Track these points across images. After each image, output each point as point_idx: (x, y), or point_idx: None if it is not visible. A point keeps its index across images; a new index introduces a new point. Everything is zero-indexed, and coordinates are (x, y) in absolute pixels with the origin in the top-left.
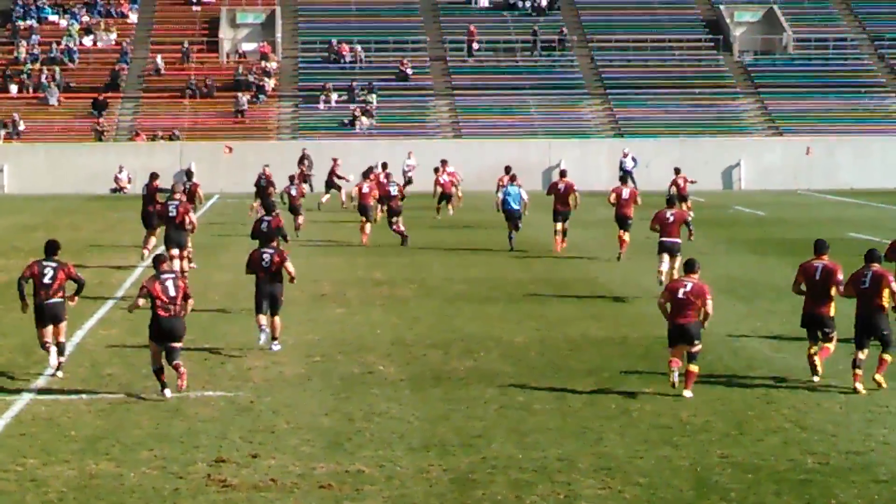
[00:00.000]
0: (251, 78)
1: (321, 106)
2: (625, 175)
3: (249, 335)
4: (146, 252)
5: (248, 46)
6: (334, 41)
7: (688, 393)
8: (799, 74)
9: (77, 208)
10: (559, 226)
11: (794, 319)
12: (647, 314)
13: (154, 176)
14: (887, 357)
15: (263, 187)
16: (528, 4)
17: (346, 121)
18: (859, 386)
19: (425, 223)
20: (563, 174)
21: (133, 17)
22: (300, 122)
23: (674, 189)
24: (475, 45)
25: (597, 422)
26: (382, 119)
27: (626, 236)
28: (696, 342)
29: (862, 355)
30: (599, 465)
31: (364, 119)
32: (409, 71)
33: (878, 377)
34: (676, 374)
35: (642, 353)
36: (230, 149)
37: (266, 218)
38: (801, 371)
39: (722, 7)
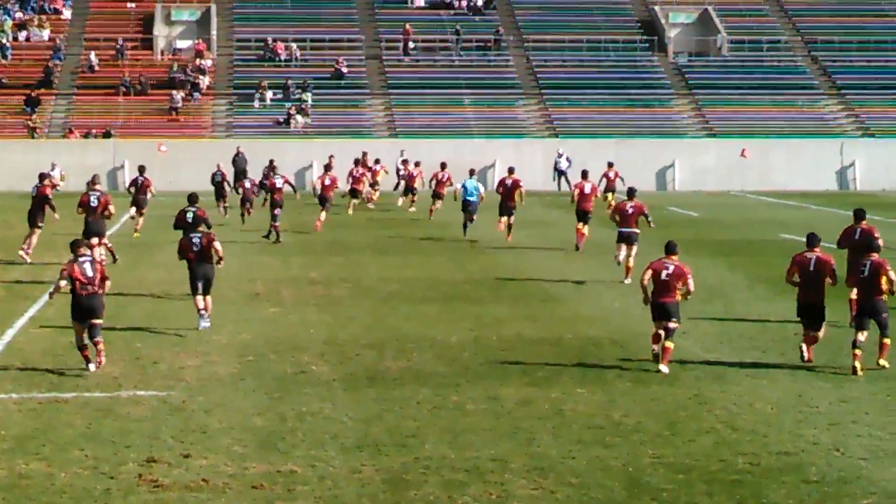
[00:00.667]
0: (186, 75)
1: (256, 104)
2: (584, 171)
3: (182, 334)
4: (24, 253)
5: (182, 44)
6: (269, 39)
7: (664, 368)
8: (733, 76)
9: (9, 206)
10: (505, 219)
11: (725, 320)
12: (581, 315)
13: (43, 177)
14: (887, 341)
15: (219, 182)
16: (463, 4)
17: (281, 119)
18: (858, 365)
19: (362, 222)
20: (510, 171)
21: (67, 14)
22: (235, 121)
23: (604, 181)
24: (411, 45)
25: (530, 422)
26: (318, 117)
27: (585, 229)
28: (675, 319)
29: (862, 337)
30: (532, 465)
31: (299, 118)
32: (345, 69)
33: (882, 361)
34: (658, 350)
35: (576, 354)
36: (163, 148)
37: (191, 209)
38: (733, 372)
39: (657, 8)
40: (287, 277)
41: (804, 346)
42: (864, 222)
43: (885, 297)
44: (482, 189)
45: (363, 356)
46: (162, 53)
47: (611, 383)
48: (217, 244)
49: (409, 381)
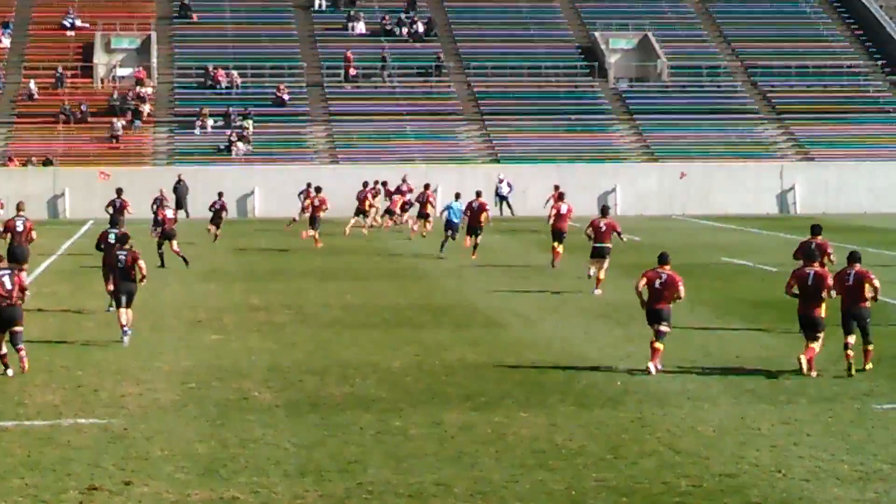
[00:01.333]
0: (126, 103)
1: (197, 131)
2: (561, 194)
3: (123, 362)
4: None
5: (123, 72)
6: (210, 66)
7: (652, 367)
8: (673, 101)
9: None
10: (470, 239)
11: (667, 343)
12: (523, 339)
13: None
14: (871, 347)
15: (217, 210)
16: (404, 31)
17: (222, 146)
18: (851, 362)
19: (303, 249)
20: (478, 195)
21: (6, 42)
22: (176, 148)
23: (552, 201)
24: (352, 71)
25: (473, 446)
26: (259, 145)
27: (560, 248)
28: (666, 324)
29: (851, 339)
30: (475, 489)
31: (240, 145)
32: (286, 96)
33: (868, 366)
34: (650, 363)
35: (519, 379)
36: (106, 175)
37: (113, 230)
38: (676, 395)
39: (597, 34)
40: (229, 304)
41: (802, 359)
42: (819, 237)
43: (868, 304)
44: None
45: (306, 382)
46: (102, 81)
47: (553, 407)
48: (141, 262)
49: (351, 406)
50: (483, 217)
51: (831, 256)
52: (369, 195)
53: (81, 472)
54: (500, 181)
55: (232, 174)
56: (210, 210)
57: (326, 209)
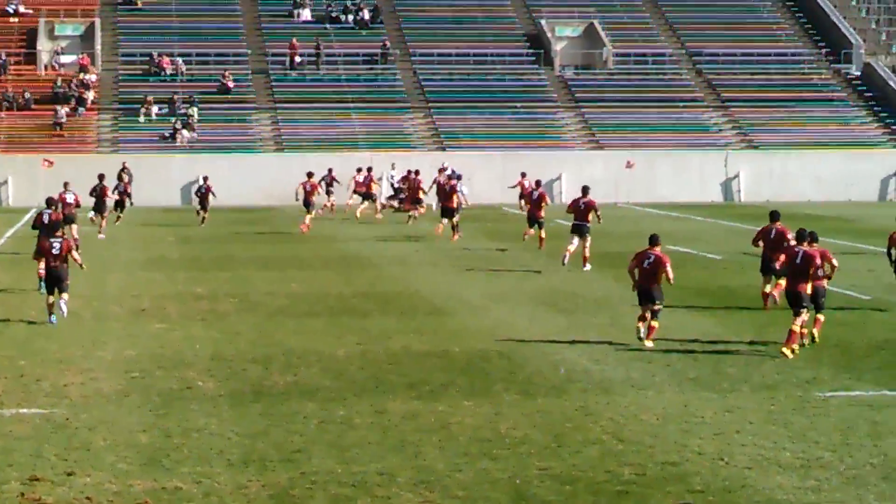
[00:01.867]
0: (70, 90)
1: (141, 119)
2: (538, 181)
3: (66, 351)
4: None
5: (66, 58)
6: (155, 54)
7: (649, 343)
8: (619, 89)
9: None
10: (445, 221)
11: (612, 331)
12: (468, 328)
13: None
14: (821, 317)
15: (203, 194)
16: (350, 18)
17: (166, 134)
18: (805, 336)
19: (248, 237)
20: (450, 177)
21: None
22: (120, 135)
23: (518, 188)
24: (297, 59)
25: (416, 435)
26: (204, 132)
27: (533, 231)
28: (658, 302)
29: (797, 323)
30: (419, 478)
31: (185, 132)
32: (231, 84)
33: (814, 331)
34: (643, 330)
35: (463, 367)
36: (50, 162)
37: (47, 211)
38: (620, 383)
39: (543, 22)
40: (173, 293)
41: (795, 328)
42: (778, 223)
43: (822, 282)
44: (466, 191)
45: (249, 371)
46: (46, 68)
47: (498, 396)
48: (75, 253)
49: (295, 395)
50: (455, 199)
51: (790, 242)
52: (374, 179)
53: (23, 463)
54: (444, 169)
55: (177, 162)
56: (196, 195)
57: (319, 193)
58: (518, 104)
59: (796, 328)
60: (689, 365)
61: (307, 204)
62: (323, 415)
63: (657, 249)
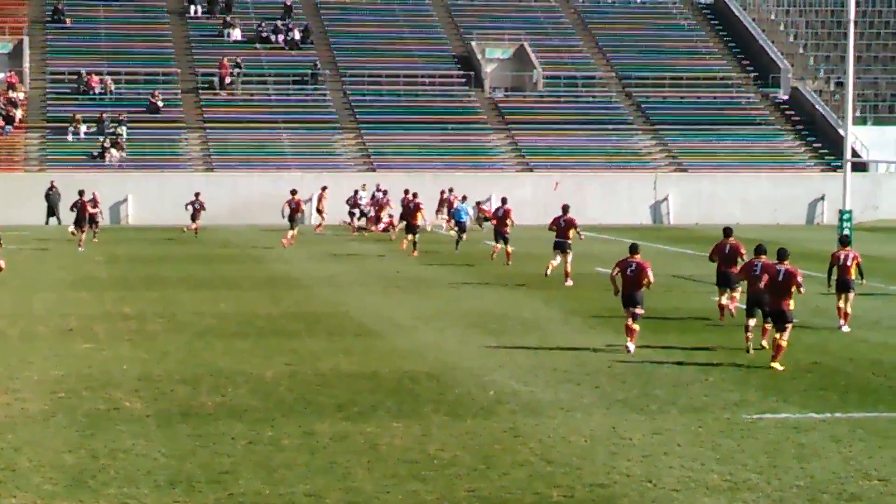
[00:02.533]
0: None
1: (70, 137)
2: (504, 199)
3: None
4: None
5: None
6: (84, 72)
7: (631, 346)
8: (548, 111)
9: None
10: (410, 237)
11: (541, 353)
12: (397, 349)
13: None
14: (769, 326)
15: (197, 209)
16: (280, 38)
17: (95, 153)
18: (750, 344)
19: (177, 257)
20: (415, 195)
21: None
22: (48, 154)
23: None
24: (227, 79)
25: (345, 457)
26: (133, 152)
27: (500, 247)
28: (640, 307)
29: (752, 322)
30: (347, 500)
31: (114, 151)
32: (160, 103)
33: (764, 343)
34: (629, 342)
35: (392, 388)
36: None
37: None
38: (548, 405)
39: (473, 44)
40: (101, 313)
41: (763, 342)
42: (731, 238)
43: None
44: (471, 211)
45: (177, 392)
46: None
47: (427, 417)
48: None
49: (223, 416)
50: (419, 217)
51: (744, 256)
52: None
53: None
54: (378, 189)
55: (105, 181)
56: (186, 208)
57: (303, 211)
58: (448, 125)
59: (783, 343)
60: (617, 387)
61: (292, 220)
62: (251, 435)
63: (638, 257)
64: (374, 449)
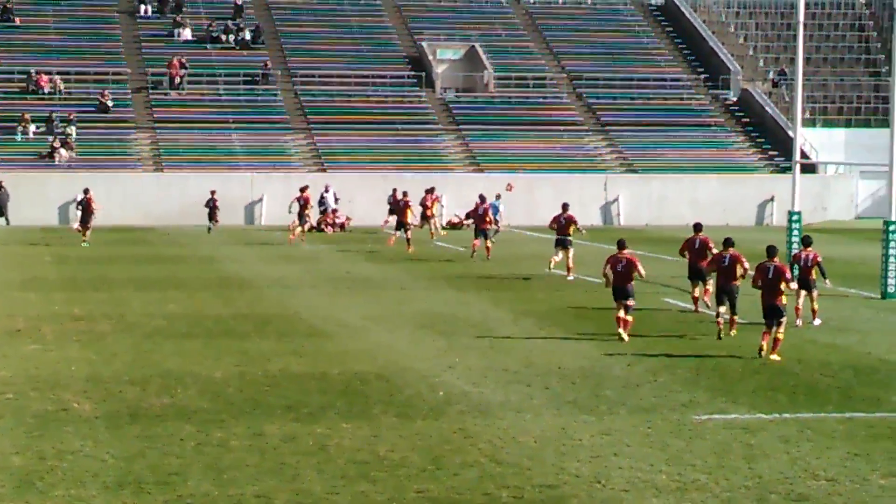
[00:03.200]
0: None
1: (19, 137)
2: (482, 196)
3: None
4: None
5: None
6: (33, 71)
7: (625, 335)
8: (500, 112)
9: None
10: (399, 233)
11: (490, 354)
12: (347, 350)
13: None
14: (737, 318)
15: (211, 207)
16: (231, 38)
17: (44, 153)
18: (721, 329)
19: (126, 257)
20: (405, 194)
21: None
22: None
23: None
24: (177, 79)
25: (294, 458)
26: (82, 152)
27: (489, 243)
28: (631, 299)
29: (722, 310)
30: (296, 500)
31: (63, 151)
32: (110, 103)
33: (733, 332)
34: (622, 331)
35: (342, 389)
36: None
37: None
38: (498, 406)
39: (424, 44)
40: (49, 313)
41: (763, 343)
42: (700, 234)
43: (738, 281)
44: (502, 209)
45: (126, 393)
46: None
47: (376, 418)
48: None
49: (172, 417)
50: (409, 215)
51: (713, 249)
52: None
53: None
54: (326, 190)
55: (54, 181)
56: (206, 207)
57: (311, 207)
58: (399, 126)
59: (780, 336)
60: (567, 388)
61: (301, 217)
62: (200, 437)
63: (627, 252)
64: (324, 450)
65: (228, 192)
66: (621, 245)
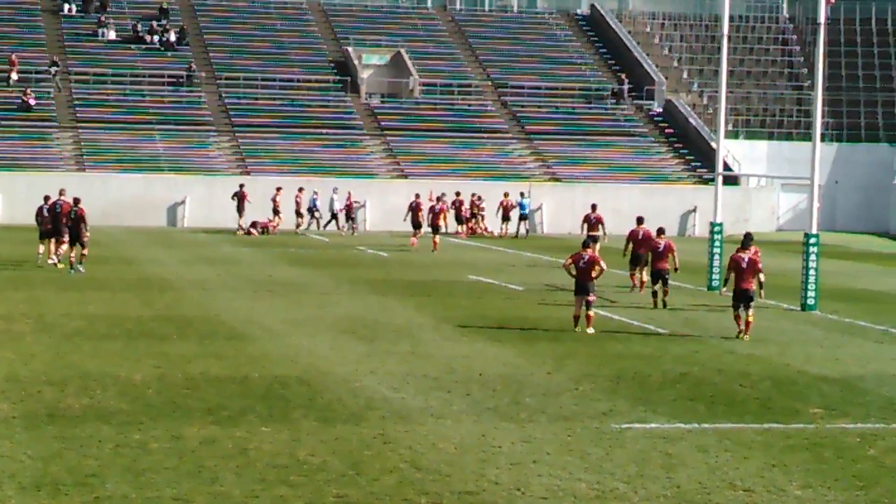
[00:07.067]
0: None
1: None
2: (439, 197)
3: None
4: None
5: None
6: None
7: (590, 330)
8: (424, 118)
9: None
10: (418, 232)
11: (412, 359)
12: (268, 353)
13: None
14: (667, 289)
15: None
16: (156, 39)
17: None
18: (660, 304)
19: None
20: (416, 196)
21: None
22: None
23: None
24: (101, 78)
25: (213, 461)
26: (3, 150)
27: (437, 238)
28: (592, 294)
29: (657, 287)
30: None
31: None
32: (33, 102)
33: (667, 299)
34: (588, 328)
35: (262, 393)
36: None
37: None
38: (418, 412)
39: (350, 49)
40: None
41: (740, 326)
42: (642, 226)
43: (668, 265)
44: (530, 205)
45: (44, 393)
46: None
47: (297, 422)
48: None
49: (91, 418)
50: (420, 215)
51: (651, 239)
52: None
53: None
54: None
55: None
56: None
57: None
58: (324, 130)
59: (751, 319)
60: (487, 394)
61: (348, 217)
62: (119, 439)
63: (589, 251)
64: (243, 453)
65: (151, 194)
66: (585, 244)
